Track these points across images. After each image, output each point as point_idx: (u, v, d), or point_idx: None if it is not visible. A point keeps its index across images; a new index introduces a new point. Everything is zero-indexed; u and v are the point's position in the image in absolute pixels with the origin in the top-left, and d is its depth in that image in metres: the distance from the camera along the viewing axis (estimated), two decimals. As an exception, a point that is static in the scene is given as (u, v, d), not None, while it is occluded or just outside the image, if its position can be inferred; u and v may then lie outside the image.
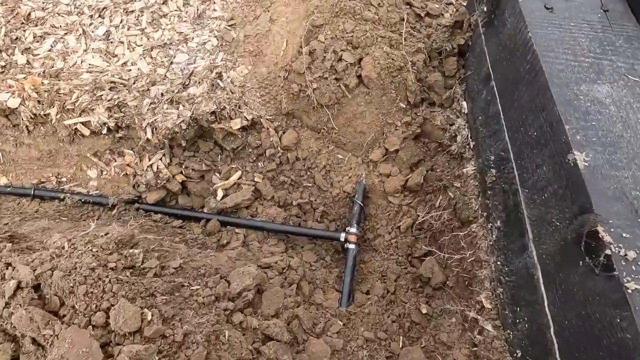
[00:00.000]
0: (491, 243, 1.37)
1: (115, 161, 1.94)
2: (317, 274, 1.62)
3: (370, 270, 1.68)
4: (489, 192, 1.43)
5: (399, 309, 1.52)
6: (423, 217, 1.73)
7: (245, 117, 1.83)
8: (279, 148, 1.88)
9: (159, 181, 1.86)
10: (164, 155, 1.91)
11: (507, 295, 1.22)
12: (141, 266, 1.18)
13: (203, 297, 1.20)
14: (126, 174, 1.93)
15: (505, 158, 1.34)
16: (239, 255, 1.54)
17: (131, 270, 1.16)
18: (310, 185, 1.90)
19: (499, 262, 1.30)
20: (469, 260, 1.45)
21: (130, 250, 1.20)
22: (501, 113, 1.41)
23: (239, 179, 1.91)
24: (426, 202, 1.78)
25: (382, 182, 1.84)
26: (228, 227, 1.78)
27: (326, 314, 1.45)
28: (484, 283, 1.34)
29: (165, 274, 1.21)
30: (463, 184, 1.62)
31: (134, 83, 1.87)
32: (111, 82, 1.85)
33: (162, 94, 1.85)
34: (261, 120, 1.89)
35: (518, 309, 1.14)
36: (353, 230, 1.70)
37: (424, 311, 1.52)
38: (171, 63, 2.01)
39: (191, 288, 1.21)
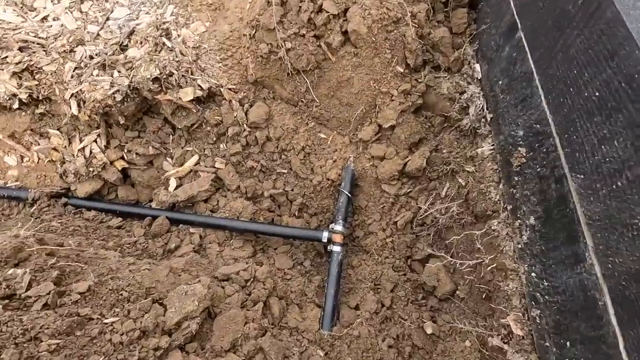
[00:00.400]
0: (520, 246, 1.03)
1: (38, 144, 1.53)
2: (293, 285, 1.26)
3: (360, 277, 1.34)
4: (516, 179, 1.08)
5: (396, 329, 1.19)
6: (426, 210, 1.38)
7: (199, 85, 1.44)
8: (244, 126, 1.49)
9: (91, 169, 1.46)
10: (99, 136, 1.50)
11: (548, 322, 0.88)
12: (25, 294, 0.81)
13: (121, 334, 0.84)
14: (52, 160, 1.53)
15: (541, 132, 0.98)
16: (188, 264, 1.18)
17: (7, 300, 0.79)
18: (285, 171, 1.53)
19: (533, 274, 0.96)
20: (488, 268, 1.11)
21: (11, 271, 0.82)
22: (534, 72, 1.04)
23: (195, 165, 1.52)
24: (429, 191, 1.42)
25: (375, 167, 1.48)
26: (181, 225, 1.40)
27: (302, 341, 1.10)
28: (511, 300, 1.00)
29: (64, 303, 0.84)
30: (478, 168, 1.27)
31: (54, 42, 1.44)
32: (22, 40, 1.42)
33: (90, 57, 1.43)
34: (221, 90, 1.49)
35: (569, 344, 0.81)
36: (338, 227, 1.34)
37: (429, 331, 1.19)
38: (107, 19, 1.58)
39: (103, 321, 0.85)
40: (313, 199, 1.51)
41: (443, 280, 1.29)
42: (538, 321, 0.92)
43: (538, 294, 0.93)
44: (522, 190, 1.05)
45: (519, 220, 1.05)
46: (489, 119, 1.29)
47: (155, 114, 1.53)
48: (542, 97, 0.99)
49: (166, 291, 1.01)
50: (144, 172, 1.53)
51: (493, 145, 1.26)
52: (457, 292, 1.27)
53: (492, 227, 1.14)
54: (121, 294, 0.93)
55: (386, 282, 1.30)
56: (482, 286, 1.16)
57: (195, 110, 1.47)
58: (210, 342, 0.97)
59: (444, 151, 1.40)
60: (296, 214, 1.52)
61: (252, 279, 1.18)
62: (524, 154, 1.05)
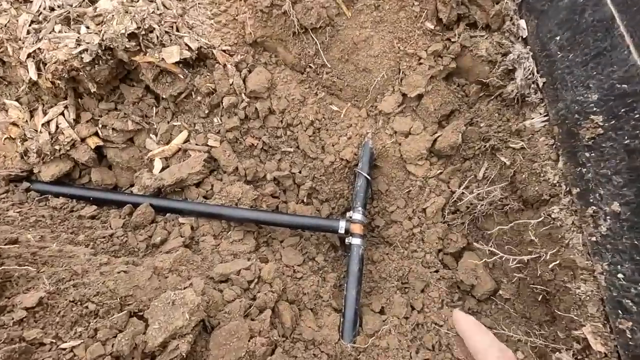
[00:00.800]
0: (596, 239, 0.82)
1: (-7, 118, 1.27)
2: (305, 286, 1.05)
3: (383, 275, 1.13)
4: (587, 155, 0.86)
5: (431, 338, 0.99)
6: (460, 195, 1.16)
7: (186, 45, 1.18)
8: (242, 95, 1.24)
9: (58, 147, 1.21)
10: (66, 108, 1.25)
11: (648, 338, 0.68)
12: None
13: (85, 364, 0.62)
14: (11, 137, 1.27)
15: (630, 93, 0.76)
16: (177, 262, 0.95)
17: None
18: (291, 150, 1.30)
19: (620, 275, 0.75)
20: (549, 265, 0.90)
21: None
22: (616, 18, 0.81)
23: (184, 142, 1.28)
24: (463, 172, 1.20)
25: (398, 145, 1.25)
26: (168, 215, 1.17)
27: (321, 356, 0.89)
28: (585, 306, 0.80)
29: (2, 323, 0.61)
30: (527, 144, 1.05)
31: (4, -11, 1.17)
32: (-37, -14, 1.14)
33: (51, 8, 1.16)
34: (214, 52, 1.24)
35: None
36: (358, 216, 1.13)
37: (470, 339, 0.99)
38: (73, -35, 1.30)
39: (59, 347, 0.62)
40: (324, 183, 1.28)
41: (482, 277, 1.09)
42: (629, 335, 0.72)
43: (628, 301, 0.72)
44: (596, 168, 0.83)
45: (592, 207, 0.84)
46: (540, 84, 1.06)
47: (134, 81, 1.28)
48: (631, 48, 0.77)
49: (148, 300, 0.79)
50: (123, 151, 1.29)
51: (547, 115, 1.04)
52: (500, 292, 1.07)
53: (552, 215, 0.93)
54: (86, 307, 0.70)
55: (415, 281, 1.09)
56: (536, 286, 0.95)
57: (182, 76, 1.21)
58: (207, 365, 0.75)
59: (482, 125, 1.17)
60: (304, 200, 1.30)
61: (256, 280, 0.97)
62: (600, 124, 0.83)
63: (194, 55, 1.19)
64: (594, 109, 0.85)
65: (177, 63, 1.17)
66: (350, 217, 1.13)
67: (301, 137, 1.28)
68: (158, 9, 1.18)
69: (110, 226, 1.09)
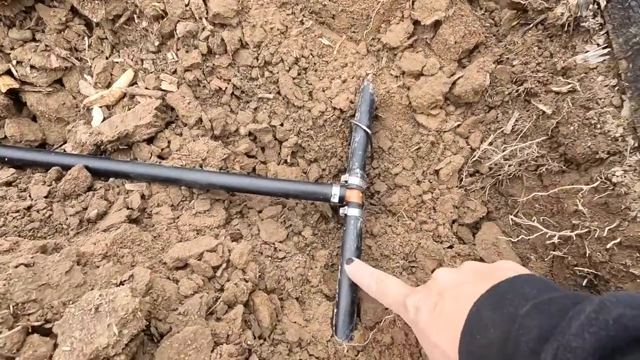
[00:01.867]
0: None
1: None
2: (289, 268, 0.83)
3: (386, 251, 0.92)
4: (678, 97, 0.62)
5: (445, 329, 0.80)
6: (482, 153, 0.93)
7: (118, -59, 0.84)
8: (204, 21, 0.93)
9: (-46, 90, 0.90)
10: (-39, 35, 0.92)
11: None
12: None
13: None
14: None
15: None
16: (116, 244, 0.71)
17: None
18: (270, 96, 1.02)
19: None
20: (606, 244, 0.70)
21: None
22: None
23: (130, 85, 0.98)
24: (487, 124, 0.96)
25: (407, 89, 0.99)
26: (111, 179, 0.91)
27: (309, 361, 0.69)
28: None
29: None
30: (580, 85, 0.80)
31: None
32: None
33: None
34: (160, -44, 0.90)
35: None
36: (355, 180, 0.89)
37: (491, 329, 0.81)
38: None
39: None
40: (312, 138, 1.02)
41: (506, 253, 0.89)
42: None
43: None
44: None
45: (679, 169, 0.62)
46: (602, 4, 0.79)
47: (55, 0, 0.94)
48: None
49: (62, 305, 0.55)
50: (49, 97, 0.99)
51: (608, 47, 0.78)
52: (532, 268, 0.87)
53: (612, 180, 0.71)
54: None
55: (425, 259, 0.89)
56: (581, 268, 0.76)
57: (118, -8, 0.89)
58: (150, 390, 0.54)
59: (515, 63, 0.91)
60: (288, 160, 1.04)
61: (224, 265, 0.74)
62: None
63: (131, -40, 0.86)
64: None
65: (106, -31, 0.84)
66: (346, 182, 0.89)
67: (283, 79, 1.00)
68: None
69: (29, 196, 0.82)
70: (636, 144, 0.70)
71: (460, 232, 0.96)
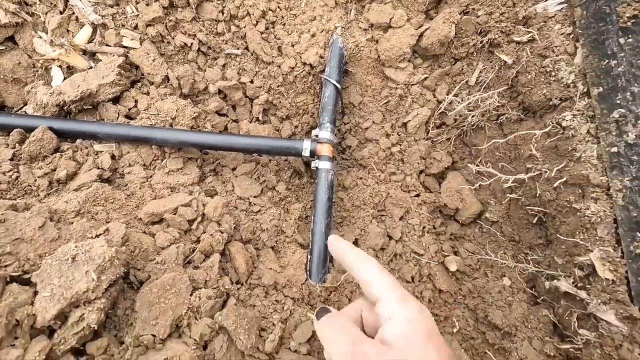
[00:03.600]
0: (617, 150, 0.67)
1: None
2: (264, 221, 0.86)
3: (357, 202, 0.96)
4: (622, 42, 0.66)
5: (410, 269, 0.87)
6: (448, 105, 0.96)
7: None
8: (162, -30, 0.89)
9: None
10: None
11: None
12: None
13: None
14: None
15: None
16: (90, 202, 0.72)
17: None
18: (238, 52, 1.00)
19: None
20: (553, 183, 0.76)
21: None
22: None
23: (89, 42, 0.94)
24: (453, 76, 0.99)
25: (375, 42, 0.99)
26: (79, 141, 0.89)
27: (284, 302, 0.75)
28: (594, 229, 0.68)
29: None
30: (538, 34, 0.83)
31: None
32: None
33: None
34: None
35: None
36: (325, 134, 0.91)
37: (452, 268, 0.89)
38: None
39: None
40: (283, 95, 1.02)
41: (468, 199, 0.95)
42: (647, 261, 0.61)
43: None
44: (633, 58, 0.64)
45: (619, 110, 0.67)
46: (563, -49, 0.80)
47: (-5, -54, 0.87)
48: None
49: (39, 258, 0.57)
50: (2, 55, 0.93)
51: (567, -6, 0.80)
52: (487, 215, 0.94)
53: (562, 124, 0.76)
54: None
55: (394, 207, 0.94)
56: (532, 207, 0.82)
57: (66, -63, 0.82)
58: (134, 331, 0.58)
59: (480, 13, 0.92)
60: (260, 118, 1.05)
61: (199, 218, 0.76)
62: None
63: None
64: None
65: None
66: (317, 137, 0.91)
67: (250, 34, 0.98)
68: None
69: (-8, 159, 0.80)
70: (585, 89, 0.74)
71: (427, 182, 1.01)
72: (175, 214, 0.75)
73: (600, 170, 0.69)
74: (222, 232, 0.75)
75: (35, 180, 0.79)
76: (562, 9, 0.81)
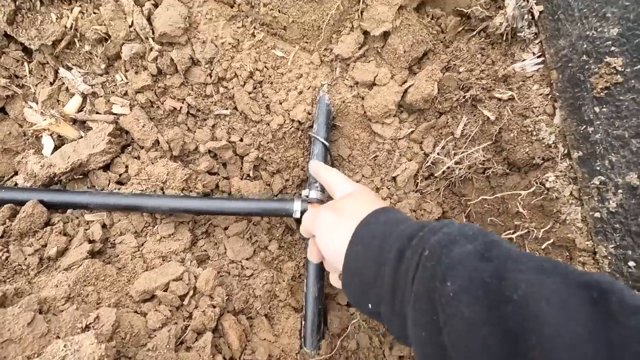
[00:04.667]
0: (601, 216, 0.68)
1: None
2: (257, 286, 0.86)
3: (349, 259, 0.96)
4: (597, 110, 0.68)
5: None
6: (435, 157, 0.97)
7: (48, -35, 0.80)
8: (150, 41, 0.91)
9: None
10: None
11: None
12: None
13: None
14: None
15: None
16: (80, 283, 0.72)
17: None
18: (227, 113, 1.02)
19: (631, 262, 0.62)
20: (542, 244, 0.77)
21: None
22: None
23: (79, 111, 0.95)
24: (439, 129, 1.00)
25: (361, 99, 1.01)
26: (70, 211, 0.89)
27: (279, 376, 0.74)
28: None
29: None
30: (517, 93, 0.85)
31: None
32: None
33: None
34: (96, -24, 0.86)
35: None
36: (315, 194, 0.92)
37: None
38: None
39: None
40: (273, 151, 1.04)
41: (460, 251, 0.96)
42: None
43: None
44: (608, 128, 0.66)
45: (599, 177, 0.68)
46: (537, 15, 0.83)
47: (-15, 25, 0.89)
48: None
49: (27, 359, 0.56)
50: (-7, 127, 0.94)
51: (542, 56, 0.83)
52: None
53: (546, 185, 0.77)
54: None
55: (386, 263, 0.94)
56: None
57: (55, 15, 0.84)
58: None
59: (461, 69, 0.95)
60: (250, 174, 1.06)
61: (191, 292, 0.76)
62: (619, 69, 0.64)
63: (64, -17, 0.82)
64: (612, 48, 0.65)
65: (38, -4, 0.80)
66: (307, 196, 0.92)
67: (238, 94, 1.00)
68: None
69: (-18, 237, 0.80)
70: (566, 151, 0.76)
71: (419, 233, 1.01)
72: (166, 290, 0.75)
73: (585, 234, 0.70)
74: (214, 307, 0.75)
75: (26, 259, 0.79)
76: (538, 69, 0.84)
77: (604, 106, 0.67)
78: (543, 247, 0.76)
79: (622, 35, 0.63)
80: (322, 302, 0.84)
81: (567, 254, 0.73)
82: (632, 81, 0.62)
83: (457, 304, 0.36)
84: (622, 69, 0.63)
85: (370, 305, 0.48)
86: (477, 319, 0.34)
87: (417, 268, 0.41)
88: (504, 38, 0.88)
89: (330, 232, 0.56)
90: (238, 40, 0.99)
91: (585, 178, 0.71)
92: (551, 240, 0.75)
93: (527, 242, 0.80)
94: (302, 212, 0.90)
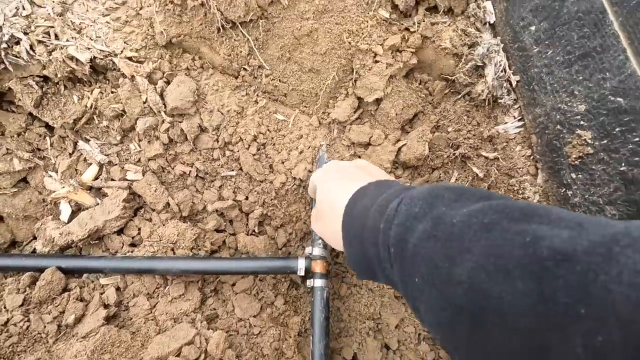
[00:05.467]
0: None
1: None
2: (264, 345, 0.90)
3: (353, 313, 1.00)
4: (574, 177, 0.74)
5: (410, 382, 0.89)
6: (430, 211, 1.03)
7: (71, 57, 0.89)
8: (163, 114, 0.99)
9: None
10: None
11: None
12: None
13: None
14: None
15: (627, 110, 0.63)
16: (96, 352, 0.75)
17: None
18: (233, 174, 1.08)
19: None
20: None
21: None
22: (608, 10, 0.66)
23: (95, 179, 1.02)
24: (432, 183, 1.06)
25: (358, 157, 1.08)
26: (85, 275, 0.94)
27: None
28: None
29: None
30: (502, 154, 0.92)
31: None
32: None
33: None
34: (115, 61, 0.95)
35: None
36: (318, 251, 0.97)
37: (451, 376, 0.91)
38: None
39: None
40: (277, 207, 1.10)
41: (459, 301, 0.99)
42: None
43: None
44: (585, 194, 0.72)
45: (581, 238, 0.73)
46: (514, 83, 0.92)
47: (12, 104, 0.97)
48: (629, 53, 0.63)
49: None
50: (15, 196, 1.01)
51: (522, 120, 0.91)
52: (479, 316, 0.98)
53: (534, 242, 0.82)
54: None
55: (388, 316, 0.98)
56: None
57: (79, 95, 0.93)
58: None
59: (449, 129, 1.02)
60: (256, 230, 1.11)
61: (202, 356, 0.80)
62: (589, 141, 0.71)
63: (86, 69, 0.91)
64: (582, 122, 0.72)
65: (64, 77, 0.89)
66: (310, 254, 0.97)
67: (243, 157, 1.07)
68: (23, 9, 0.87)
69: (4, 307, 0.85)
70: (550, 210, 0.81)
71: (419, 284, 1.05)
72: (179, 355, 0.78)
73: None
74: (224, 370, 0.78)
75: (45, 327, 0.83)
76: (520, 132, 0.91)
77: (579, 173, 0.73)
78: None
79: (589, 111, 0.70)
80: (328, 359, 0.87)
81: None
82: (601, 153, 0.68)
83: (425, 297, 0.39)
84: (592, 142, 0.70)
85: (372, 279, 0.55)
86: (437, 306, 0.37)
87: (392, 265, 0.46)
88: (487, 102, 0.96)
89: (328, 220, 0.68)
90: (242, 107, 1.08)
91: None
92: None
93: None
94: (307, 270, 0.95)
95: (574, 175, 0.74)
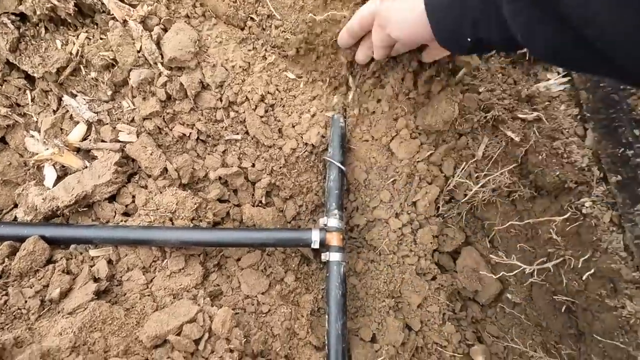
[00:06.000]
0: (649, 247, 0.63)
1: None
2: (275, 324, 0.80)
3: (370, 291, 0.91)
4: (638, 133, 0.64)
5: (435, 365, 0.81)
6: (456, 181, 0.93)
7: (54, -9, 0.77)
8: (159, 66, 0.87)
9: None
10: None
11: None
12: None
13: None
14: None
15: None
16: (85, 329, 0.65)
17: None
18: (238, 137, 0.97)
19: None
20: (581, 275, 0.72)
21: None
22: None
23: (83, 140, 0.91)
24: (459, 151, 0.97)
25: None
26: (73, 246, 0.84)
27: None
28: (635, 332, 0.63)
29: None
30: (545, 113, 0.82)
31: None
32: None
33: None
34: (103, 1, 0.83)
35: None
36: (334, 222, 0.87)
37: (479, 359, 0.82)
38: None
39: None
40: (286, 176, 0.99)
41: (486, 279, 0.91)
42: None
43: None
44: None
45: (643, 203, 0.64)
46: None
47: (-14, 52, 0.85)
48: None
49: None
50: (-8, 158, 0.89)
51: (568, 76, 0.80)
52: (508, 295, 0.90)
53: (583, 210, 0.73)
54: None
55: (411, 294, 0.89)
56: (557, 296, 0.78)
57: (60, 42, 0.81)
58: None
59: (481, 89, 0.92)
60: (263, 201, 1.00)
61: (206, 335, 0.70)
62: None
63: (70, 8, 0.78)
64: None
65: (38, 23, 0.76)
66: (325, 225, 0.87)
67: (250, 118, 0.96)
68: None
69: (-23, 279, 0.74)
70: (601, 175, 0.72)
71: (442, 260, 0.96)
72: (179, 334, 0.69)
73: (630, 264, 0.66)
74: (232, 351, 0.69)
75: (26, 302, 0.73)
76: (565, 89, 0.81)
77: (645, 128, 0.63)
78: (584, 277, 0.71)
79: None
80: (345, 339, 0.78)
81: (612, 285, 0.69)
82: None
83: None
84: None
85: (469, 39, 0.54)
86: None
87: None
88: (526, 57, 0.86)
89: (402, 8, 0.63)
90: (249, 63, 0.96)
91: (627, 204, 0.67)
92: (592, 271, 0.70)
93: (564, 272, 0.76)
94: (321, 243, 0.85)
95: (637, 132, 0.64)
